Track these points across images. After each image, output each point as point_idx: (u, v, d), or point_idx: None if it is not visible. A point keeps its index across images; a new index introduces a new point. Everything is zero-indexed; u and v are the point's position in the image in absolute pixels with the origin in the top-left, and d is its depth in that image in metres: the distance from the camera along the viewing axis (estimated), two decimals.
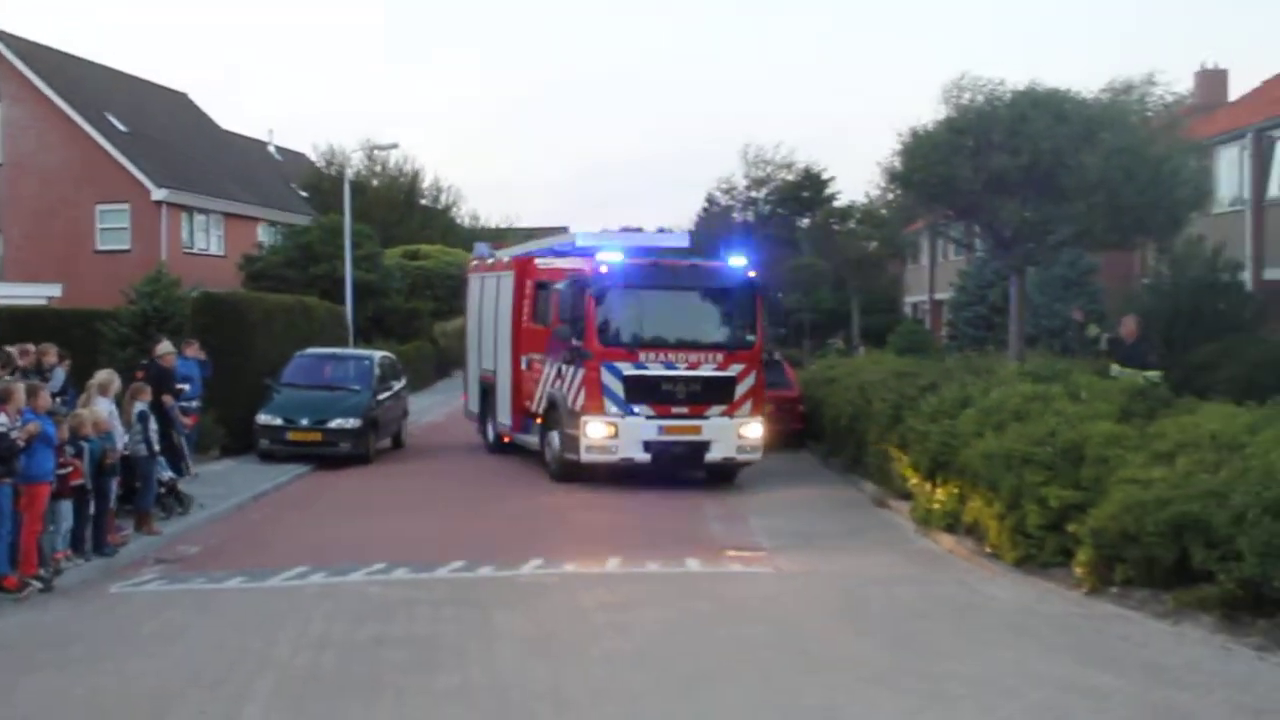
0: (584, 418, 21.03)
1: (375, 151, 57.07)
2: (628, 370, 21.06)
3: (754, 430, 21.76)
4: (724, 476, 22.55)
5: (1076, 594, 12.73)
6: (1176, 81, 25.05)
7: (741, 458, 21.89)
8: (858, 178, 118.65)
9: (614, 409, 21.05)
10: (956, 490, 15.91)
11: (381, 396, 26.80)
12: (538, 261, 25.55)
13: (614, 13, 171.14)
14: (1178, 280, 27.51)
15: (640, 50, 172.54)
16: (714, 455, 21.56)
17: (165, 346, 20.82)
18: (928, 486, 17.04)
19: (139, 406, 17.26)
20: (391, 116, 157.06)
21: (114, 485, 16.02)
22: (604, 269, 21.46)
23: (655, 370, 21.24)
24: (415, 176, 63.71)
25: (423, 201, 64.12)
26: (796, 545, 16.57)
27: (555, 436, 22.31)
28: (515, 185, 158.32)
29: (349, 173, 47.51)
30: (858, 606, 12.89)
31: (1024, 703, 9.19)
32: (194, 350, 21.87)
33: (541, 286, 24.33)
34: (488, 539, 16.61)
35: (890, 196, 28.79)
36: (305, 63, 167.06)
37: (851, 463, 22.95)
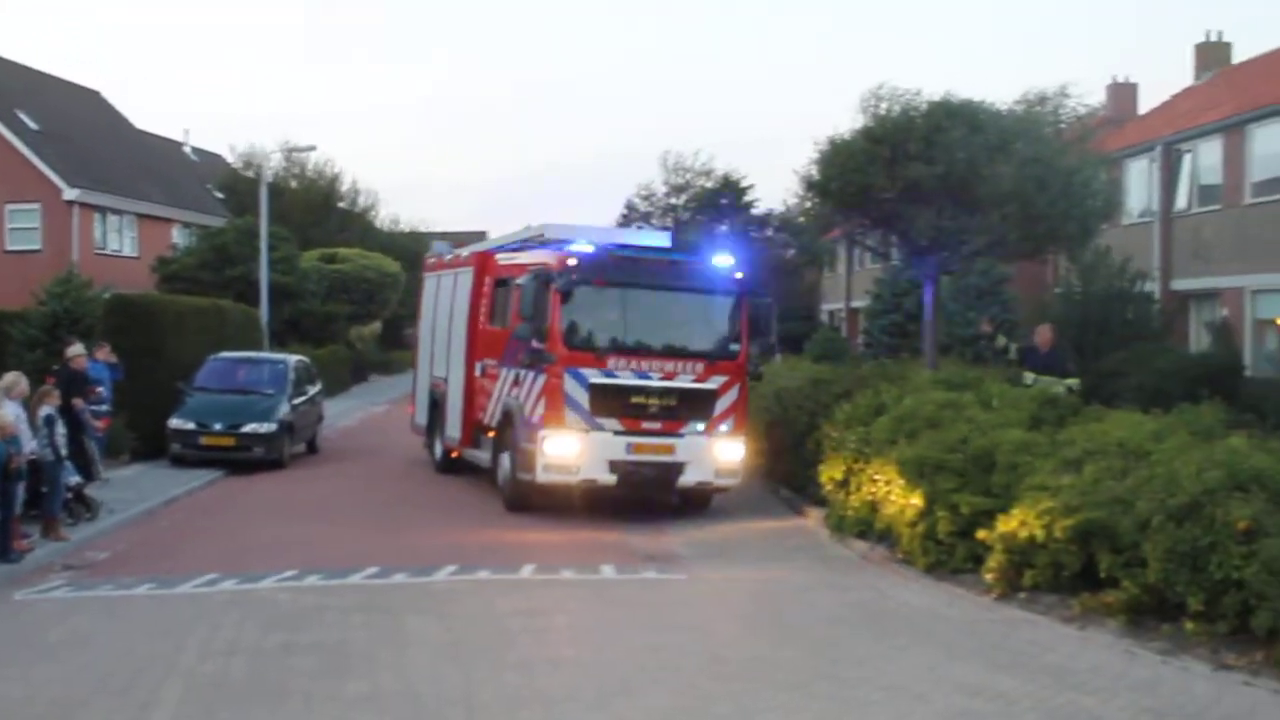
0: (542, 431, 18.38)
1: (293, 154, 56.38)
2: (594, 378, 18.55)
3: (734, 451, 19.36)
4: (698, 503, 20.24)
5: (986, 599, 12.86)
6: (1089, 94, 25.35)
7: (719, 482, 19.43)
8: (781, 186, 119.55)
9: (577, 422, 18.46)
10: (870, 497, 16.00)
11: (296, 401, 26.62)
12: (499, 257, 22.82)
13: (533, 20, 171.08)
14: (1087, 290, 27.98)
15: (561, 58, 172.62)
16: (688, 479, 19.10)
17: (76, 349, 20.55)
18: (842, 494, 17.11)
19: (46, 410, 16.98)
20: (310, 118, 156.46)
21: (19, 490, 15.70)
22: (572, 261, 18.76)
23: (626, 379, 18.73)
24: (334, 179, 63.19)
25: (341, 204, 63.55)
26: (711, 552, 16.66)
27: (508, 457, 19.69)
28: (434, 189, 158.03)
29: (267, 174, 46.87)
30: (772, 613, 12.99)
31: (933, 708, 9.27)
32: (105, 353, 21.55)
33: (502, 284, 21.81)
34: (404, 546, 16.46)
35: (808, 205, 28.90)
36: (223, 62, 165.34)
37: (769, 469, 22.52)
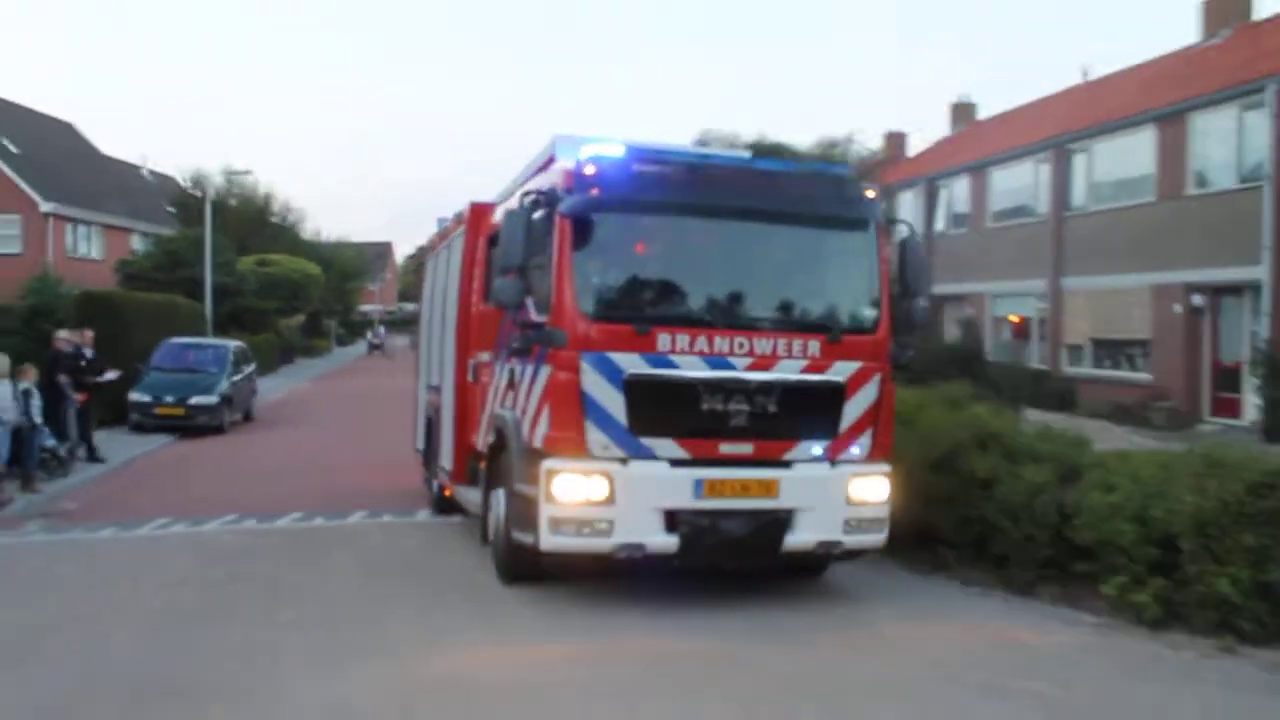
0: (547, 463, 8.78)
1: (233, 175, 55.62)
2: (634, 369, 8.77)
3: (875, 489, 9.37)
4: (811, 568, 10.25)
5: None
6: (870, 140, 26.02)
7: (853, 540, 9.29)
8: None
9: (606, 446, 8.77)
10: None
11: (235, 378, 26.23)
12: (500, 207, 11.56)
13: (436, 55, 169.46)
14: None
15: (460, 86, 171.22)
16: (801, 537, 9.08)
17: (61, 334, 19.92)
18: None
19: (24, 385, 16.44)
20: (248, 145, 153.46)
21: (3, 452, 15.28)
22: (590, 170, 8.91)
23: (690, 370, 8.84)
24: (267, 198, 61.94)
25: (273, 219, 62.27)
26: None
27: (501, 499, 10.01)
28: (350, 204, 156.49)
29: (210, 193, 46.34)
30: None
31: None
32: (88, 339, 20.77)
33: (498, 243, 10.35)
34: (322, 494, 16.04)
35: None
36: (176, 98, 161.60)
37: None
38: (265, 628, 8.82)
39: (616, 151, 9.13)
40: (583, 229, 8.89)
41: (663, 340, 8.82)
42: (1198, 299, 24.75)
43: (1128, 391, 25.90)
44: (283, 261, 53.37)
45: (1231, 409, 23.94)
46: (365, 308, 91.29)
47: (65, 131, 52.74)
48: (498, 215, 11.40)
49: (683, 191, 9.13)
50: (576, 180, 8.97)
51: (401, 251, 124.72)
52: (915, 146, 43.80)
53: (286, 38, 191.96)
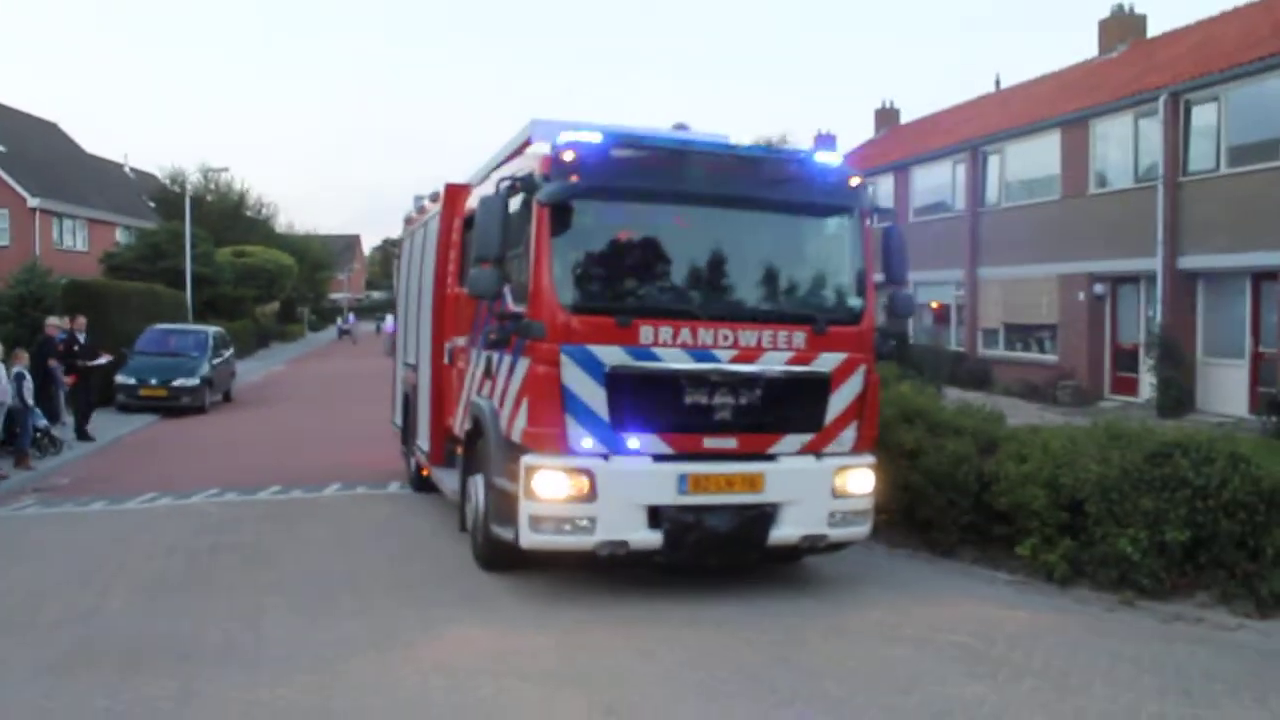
0: (527, 459, 8.02)
1: (210, 172, 54.85)
2: (615, 361, 7.97)
3: (860, 481, 8.68)
4: (790, 558, 9.20)
5: None
6: (802, 142, 26.03)
7: (837, 534, 8.58)
8: None
9: (587, 442, 7.99)
10: None
11: (215, 362, 25.95)
12: (475, 189, 10.89)
13: (403, 56, 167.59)
14: None
15: (428, 87, 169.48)
16: (786, 531, 8.35)
17: (52, 321, 19.56)
18: None
19: (16, 369, 16.16)
20: (224, 142, 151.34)
21: None
22: (569, 156, 8.06)
23: (673, 362, 8.07)
24: (243, 193, 61.11)
25: (248, 213, 61.42)
26: None
27: (479, 488, 9.20)
28: (321, 197, 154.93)
29: (189, 189, 45.72)
30: None
31: None
32: (80, 325, 20.33)
33: (473, 225, 9.21)
34: (298, 469, 15.84)
35: None
36: (156, 99, 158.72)
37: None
38: (249, 591, 8.75)
39: (595, 137, 8.23)
40: (561, 217, 8.03)
41: (645, 333, 7.99)
42: (1099, 287, 25.13)
43: (1037, 372, 26.28)
44: (257, 253, 52.84)
45: (1130, 387, 24.37)
46: (335, 295, 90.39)
47: (50, 131, 51.73)
48: (472, 198, 10.47)
49: (664, 177, 8.28)
50: (554, 166, 8.05)
51: (369, 243, 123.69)
52: (843, 148, 44.03)
53: (261, 41, 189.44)
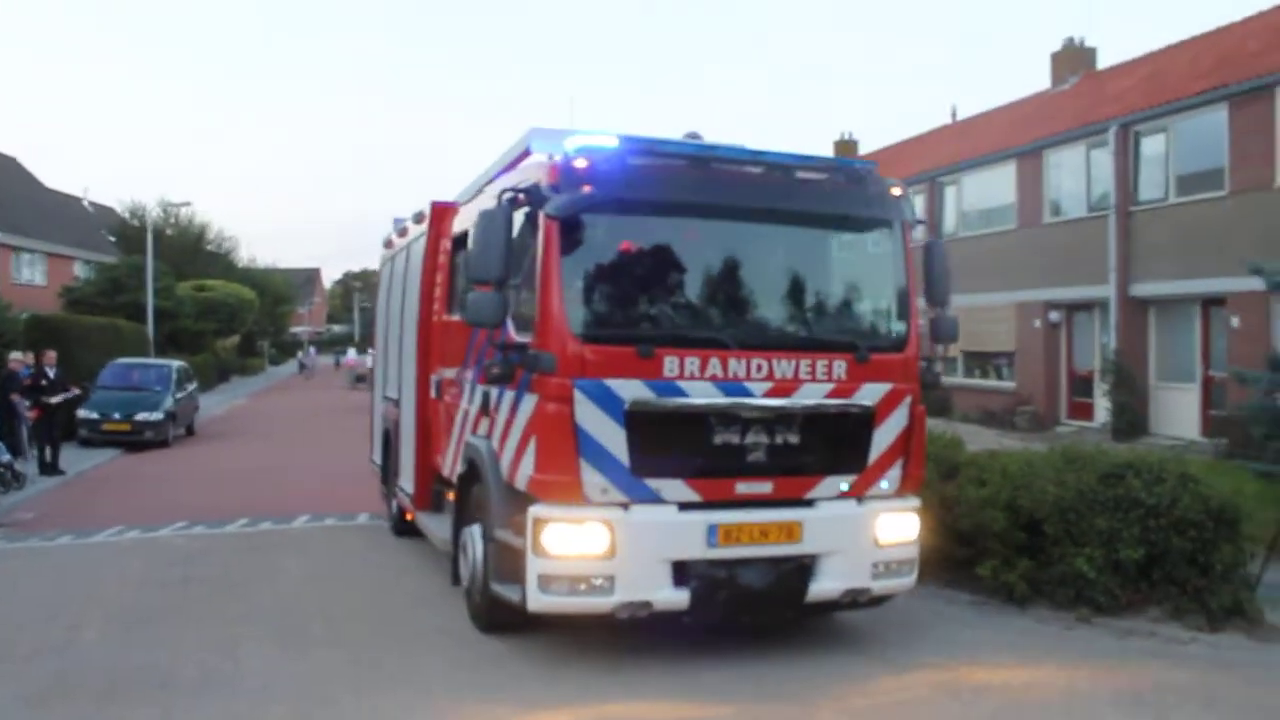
0: (535, 510, 6.98)
1: (170, 207, 54.58)
2: (635, 396, 6.95)
3: (906, 527, 7.78)
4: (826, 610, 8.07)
5: None
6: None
7: (881, 586, 7.65)
8: None
9: (604, 488, 6.94)
10: None
11: (178, 396, 25.83)
12: (464, 207, 10.05)
13: (361, 89, 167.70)
14: None
15: (387, 121, 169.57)
16: (826, 585, 7.40)
17: (15, 355, 19.51)
18: None
19: None
20: (183, 177, 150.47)
21: None
22: (581, 163, 7.02)
23: (702, 397, 7.06)
24: (203, 229, 60.81)
25: (209, 247, 61.16)
26: None
27: (476, 539, 8.12)
28: (283, 233, 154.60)
29: (150, 223, 45.48)
30: None
31: None
32: (49, 359, 20.16)
33: (463, 244, 9.24)
34: (267, 501, 15.83)
35: None
36: (113, 135, 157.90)
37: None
38: (222, 622, 8.80)
39: (610, 141, 7.22)
40: (573, 233, 7.05)
41: (669, 364, 7.00)
42: (1054, 315, 25.65)
43: (995, 398, 26.74)
44: (218, 287, 52.71)
45: (1086, 412, 24.85)
46: (295, 329, 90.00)
47: (9, 165, 51.33)
48: (460, 217, 9.90)
49: (689, 188, 7.25)
50: (564, 175, 7.06)
51: (329, 276, 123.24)
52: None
53: (223, 74, 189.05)
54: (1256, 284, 16.30)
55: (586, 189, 6.97)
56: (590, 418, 6.90)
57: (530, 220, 7.29)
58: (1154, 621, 8.61)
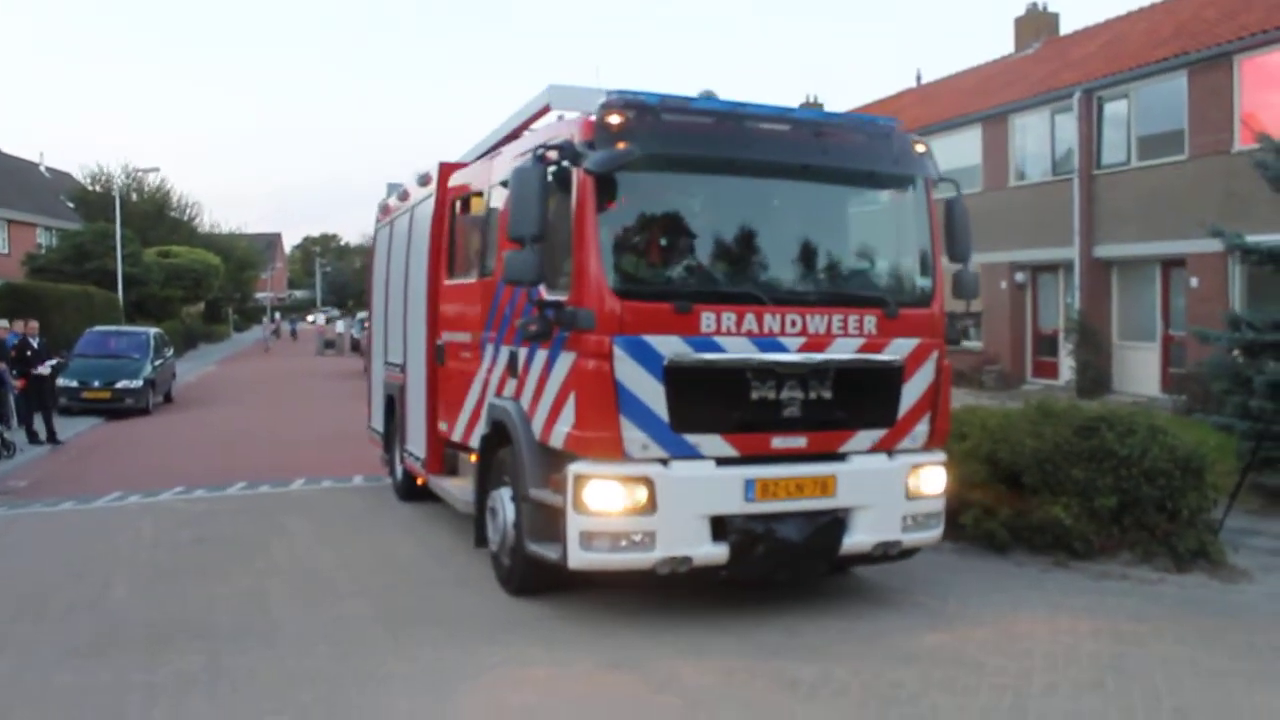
0: (576, 467, 7.09)
1: (135, 172, 54.15)
2: (674, 352, 7.05)
3: (934, 480, 8.01)
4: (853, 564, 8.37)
5: None
6: None
7: (911, 539, 7.87)
8: None
9: (644, 444, 7.05)
10: None
11: (157, 363, 25.91)
12: (471, 166, 10.34)
13: (324, 62, 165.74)
14: None
15: (348, 90, 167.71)
16: (859, 538, 7.58)
17: (1, 324, 19.62)
18: None
19: None
20: (146, 141, 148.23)
21: None
22: (615, 119, 7.06)
23: (737, 353, 7.17)
24: (167, 194, 60.33)
25: (173, 213, 60.70)
26: None
27: (506, 501, 8.16)
28: (244, 197, 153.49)
29: (116, 189, 45.20)
30: None
31: None
32: (33, 329, 20.24)
33: (471, 207, 9.83)
34: (259, 465, 16.15)
35: None
36: (69, 97, 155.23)
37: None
38: (246, 577, 9.19)
39: (646, 97, 7.28)
40: (609, 190, 7.10)
41: (706, 320, 7.11)
42: (1020, 276, 26.34)
43: (964, 358, 27.40)
44: (184, 253, 52.51)
45: (1050, 371, 25.62)
46: (259, 295, 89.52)
47: None
48: (469, 176, 10.00)
49: (722, 145, 7.33)
50: (600, 131, 7.08)
51: (289, 241, 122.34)
52: None
53: (176, 39, 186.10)
54: (1215, 245, 16.89)
55: (624, 145, 7.02)
56: (630, 374, 6.99)
57: (559, 179, 7.24)
58: (1126, 564, 9.20)
